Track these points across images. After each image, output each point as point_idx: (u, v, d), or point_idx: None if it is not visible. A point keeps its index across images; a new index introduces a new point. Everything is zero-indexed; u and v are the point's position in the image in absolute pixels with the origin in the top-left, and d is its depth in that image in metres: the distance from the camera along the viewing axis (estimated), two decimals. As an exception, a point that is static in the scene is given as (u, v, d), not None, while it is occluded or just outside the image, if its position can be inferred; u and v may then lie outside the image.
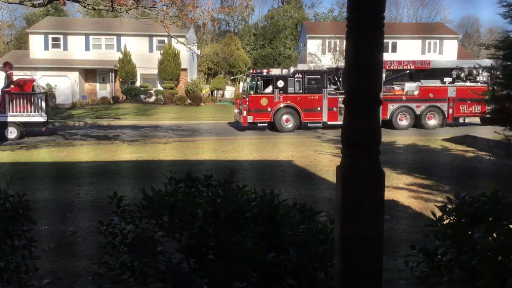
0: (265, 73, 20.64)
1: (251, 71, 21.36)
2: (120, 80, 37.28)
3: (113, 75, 37.27)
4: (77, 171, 10.82)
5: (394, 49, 37.57)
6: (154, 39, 37.37)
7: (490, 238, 2.43)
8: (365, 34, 1.96)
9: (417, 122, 20.77)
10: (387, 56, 28.67)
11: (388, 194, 7.57)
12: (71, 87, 35.96)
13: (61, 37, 37.29)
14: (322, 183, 9.05)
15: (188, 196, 2.95)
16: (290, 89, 20.10)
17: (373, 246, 2.00)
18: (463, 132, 16.58)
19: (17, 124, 18.22)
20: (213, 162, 11.95)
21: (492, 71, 21.02)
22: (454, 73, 21.39)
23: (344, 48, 2.24)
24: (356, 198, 1.98)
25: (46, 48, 37.07)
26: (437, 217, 2.66)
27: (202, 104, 35.72)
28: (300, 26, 51.97)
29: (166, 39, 34.85)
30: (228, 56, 41.56)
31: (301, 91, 20.20)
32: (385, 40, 2.24)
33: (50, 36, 37.18)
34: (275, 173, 10.13)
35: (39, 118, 18.45)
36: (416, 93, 21.01)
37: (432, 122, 20.92)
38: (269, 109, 19.96)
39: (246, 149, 14.62)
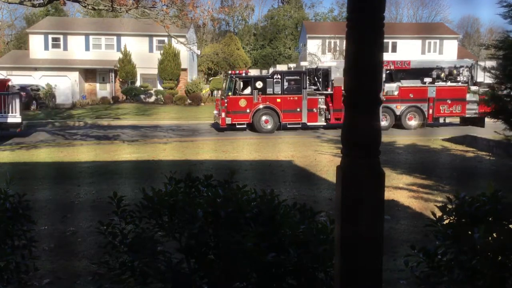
0: (243, 74, 20.51)
1: (230, 72, 21.10)
2: (120, 80, 37.28)
3: (113, 75, 37.27)
4: (77, 171, 10.82)
5: (394, 49, 37.57)
6: (154, 39, 37.37)
7: (490, 238, 2.43)
8: (365, 34, 1.96)
9: (397, 123, 20.62)
10: (386, 56, 28.65)
11: (388, 194, 7.57)
12: (71, 87, 35.96)
13: (61, 37, 37.30)
14: (322, 183, 9.05)
15: (188, 196, 2.95)
16: (269, 90, 19.91)
17: (373, 246, 2.00)
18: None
19: None
20: (213, 162, 11.95)
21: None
22: (434, 73, 21.29)
23: (344, 48, 2.24)
24: (356, 198, 1.98)
25: (46, 48, 37.08)
26: (437, 217, 2.66)
27: (202, 104, 35.72)
28: (300, 26, 51.98)
29: (166, 39, 34.85)
30: (228, 56, 41.57)
31: (280, 92, 20.02)
32: (385, 40, 2.24)
33: (50, 36, 37.18)
34: (275, 173, 10.13)
35: (14, 119, 17.95)
36: (396, 93, 20.82)
37: (413, 122, 20.78)
38: (248, 110, 19.78)
39: (246, 149, 14.62)
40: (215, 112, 21.10)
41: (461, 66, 21.57)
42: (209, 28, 48.97)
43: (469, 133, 15.44)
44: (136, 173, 10.32)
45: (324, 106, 20.49)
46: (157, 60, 36.73)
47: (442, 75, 21.28)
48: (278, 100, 20.04)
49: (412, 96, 20.61)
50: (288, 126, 20.41)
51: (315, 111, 20.30)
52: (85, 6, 16.67)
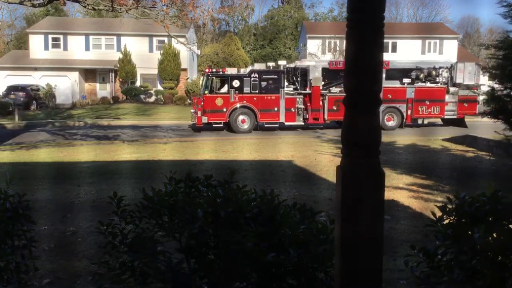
0: (220, 73, 20.21)
1: (206, 70, 20.84)
2: (120, 80, 37.29)
3: (113, 75, 37.28)
4: (77, 171, 10.82)
5: (394, 49, 37.58)
6: (154, 39, 37.38)
7: (490, 238, 2.43)
8: (365, 34, 1.96)
9: None
10: (386, 56, 28.61)
11: (388, 194, 7.58)
12: (71, 87, 35.98)
13: (61, 37, 37.30)
14: (322, 183, 9.05)
15: (188, 196, 2.95)
16: (246, 89, 19.67)
17: (373, 246, 2.00)
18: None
19: None
20: (213, 162, 11.95)
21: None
22: (413, 74, 21.15)
23: (344, 48, 2.24)
24: (356, 198, 1.98)
25: (46, 48, 37.09)
26: (437, 217, 2.66)
27: (202, 104, 35.70)
28: (300, 26, 51.98)
29: (166, 39, 34.86)
30: (228, 56, 41.58)
31: (257, 91, 19.76)
32: (385, 40, 2.24)
33: (50, 36, 37.19)
34: (275, 173, 10.13)
35: None
36: None
37: (391, 123, 20.63)
38: (224, 110, 19.57)
39: (246, 149, 14.62)
40: (192, 111, 20.80)
41: (441, 67, 21.40)
42: (209, 28, 48.98)
43: (469, 133, 15.44)
44: (136, 173, 10.32)
45: (302, 106, 20.22)
46: (157, 60, 36.74)
47: (421, 75, 21.13)
48: (255, 99, 19.80)
49: (390, 96, 20.33)
50: (266, 125, 20.21)
51: (293, 110, 20.09)
52: (85, 6, 16.67)
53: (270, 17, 58.02)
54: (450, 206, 2.67)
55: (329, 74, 20.87)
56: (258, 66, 21.44)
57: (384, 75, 21.03)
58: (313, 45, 39.66)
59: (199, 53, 39.34)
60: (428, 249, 2.60)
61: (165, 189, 2.97)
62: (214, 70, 20.72)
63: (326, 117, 20.45)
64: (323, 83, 20.72)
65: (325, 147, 14.55)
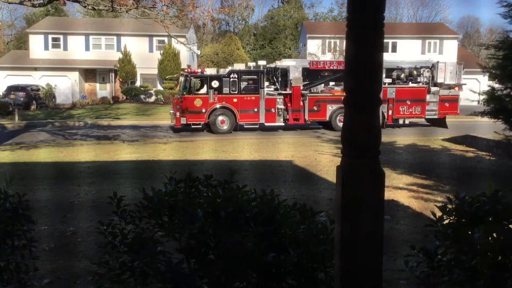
0: (199, 73, 20.03)
1: (185, 70, 20.54)
2: (120, 80, 37.28)
3: (113, 75, 37.28)
4: (77, 171, 10.82)
5: (394, 49, 37.58)
6: (154, 39, 37.37)
7: (490, 238, 2.43)
8: (365, 34, 1.96)
9: None
10: (385, 56, 28.56)
11: (388, 194, 7.58)
12: (71, 87, 35.98)
13: (61, 37, 37.30)
14: (322, 183, 9.05)
15: (188, 196, 2.95)
16: (226, 90, 19.48)
17: (373, 246, 2.00)
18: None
19: None
20: (213, 162, 11.95)
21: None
22: (395, 74, 21.02)
23: (344, 48, 2.24)
24: (356, 198, 1.98)
25: (46, 48, 37.09)
26: (437, 217, 2.66)
27: (202, 104, 35.71)
28: (300, 26, 51.98)
29: (166, 39, 34.87)
30: (228, 56, 41.59)
31: (237, 92, 19.57)
32: (385, 40, 2.24)
33: (50, 36, 37.19)
34: (275, 173, 10.13)
35: None
36: None
37: None
38: (203, 110, 19.36)
39: (246, 149, 14.62)
40: (171, 112, 20.57)
41: (422, 67, 21.27)
42: (209, 28, 49.00)
43: (469, 133, 15.44)
44: (136, 173, 10.32)
45: (283, 106, 19.99)
46: (157, 60, 36.75)
47: (402, 75, 20.99)
48: (235, 100, 19.60)
49: None
50: (245, 126, 20.05)
51: (273, 111, 19.88)
52: (85, 6, 16.68)
53: (270, 17, 58.02)
54: (450, 206, 2.67)
55: (310, 74, 20.69)
56: (238, 66, 21.26)
57: None
58: (313, 45, 39.65)
59: (199, 53, 39.34)
60: (428, 249, 2.60)
61: (165, 189, 2.97)
62: (193, 70, 20.46)
63: (306, 117, 20.24)
64: (304, 83, 20.56)
65: (325, 147, 14.55)
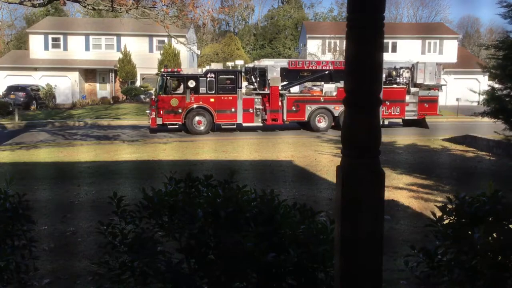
0: (175, 73, 19.76)
1: (162, 70, 20.17)
2: (120, 80, 37.29)
3: (113, 75, 37.27)
4: (77, 171, 10.82)
5: (394, 49, 37.58)
6: (154, 39, 37.38)
7: (490, 238, 2.43)
8: (365, 34, 1.96)
9: (336, 124, 20.16)
10: (385, 56, 28.52)
11: (388, 194, 7.58)
12: (71, 87, 35.99)
13: (61, 37, 37.30)
14: (322, 183, 9.05)
15: (188, 196, 2.95)
16: (202, 90, 19.24)
17: (373, 246, 2.00)
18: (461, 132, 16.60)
19: None
20: (213, 162, 11.95)
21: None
22: None
23: (344, 48, 2.24)
24: (356, 198, 1.98)
25: (46, 48, 37.09)
26: (437, 217, 2.66)
27: (202, 104, 35.72)
28: (300, 26, 51.98)
29: (166, 39, 34.87)
30: (228, 56, 41.59)
31: (214, 92, 19.35)
32: (385, 40, 2.24)
33: (50, 36, 37.19)
34: (275, 173, 10.13)
35: None
36: (334, 94, 20.30)
37: None
38: (180, 110, 19.14)
39: (246, 149, 14.62)
40: (148, 112, 20.29)
41: (401, 67, 21.16)
42: (209, 28, 49.00)
43: (469, 133, 15.44)
44: (136, 173, 10.32)
45: (261, 107, 19.81)
46: (157, 60, 36.74)
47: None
48: (212, 100, 19.37)
49: None
50: (223, 127, 19.87)
51: (251, 111, 19.69)
52: (85, 6, 16.67)
53: (270, 17, 58.04)
54: (450, 206, 2.67)
55: (289, 74, 20.55)
56: (215, 66, 21.05)
57: (343, 76, 20.88)
58: (313, 45, 39.64)
59: (199, 53, 39.35)
60: (428, 249, 2.60)
61: (165, 189, 2.97)
62: (169, 69, 20.17)
63: (285, 117, 20.05)
64: (283, 83, 20.43)
65: (325, 147, 14.55)
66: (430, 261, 2.57)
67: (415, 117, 20.87)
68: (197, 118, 19.43)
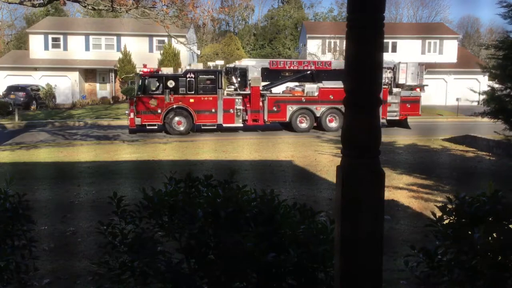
0: (154, 72, 19.55)
1: (141, 69, 19.91)
2: (120, 80, 37.28)
3: (113, 75, 37.26)
4: (77, 171, 10.82)
5: (394, 49, 37.55)
6: (154, 39, 37.38)
7: (490, 238, 2.43)
8: (365, 34, 1.96)
9: (318, 124, 20.13)
10: (385, 56, 28.44)
11: (388, 194, 7.58)
12: (71, 87, 35.98)
13: (61, 37, 37.29)
14: (322, 183, 9.05)
15: (188, 196, 2.95)
16: (182, 90, 19.04)
17: (373, 246, 2.00)
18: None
19: None
20: (213, 162, 11.95)
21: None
22: None
23: (344, 48, 2.24)
24: (356, 198, 1.98)
25: (46, 48, 37.08)
26: (437, 217, 2.66)
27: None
28: (300, 26, 51.98)
29: (166, 39, 34.87)
30: (228, 56, 41.57)
31: (193, 92, 19.16)
32: (385, 40, 2.24)
33: (50, 36, 37.18)
34: (275, 173, 10.13)
35: None
36: (316, 94, 20.12)
37: (333, 124, 20.21)
38: (159, 111, 18.92)
39: (246, 149, 14.62)
40: (126, 112, 20.10)
41: (384, 68, 21.14)
42: (209, 28, 48.99)
43: (469, 133, 15.45)
44: (136, 173, 10.33)
45: (242, 107, 19.59)
46: (157, 60, 36.73)
47: None
48: (192, 100, 19.17)
49: (332, 97, 19.86)
50: (203, 127, 19.70)
51: (232, 112, 19.49)
52: (85, 6, 16.68)
53: (270, 17, 58.02)
54: (450, 206, 2.67)
55: (270, 74, 20.44)
56: (195, 66, 20.82)
57: (326, 76, 20.51)
58: (313, 45, 39.63)
59: (199, 53, 39.34)
60: (428, 249, 2.60)
61: (165, 189, 2.97)
62: (148, 69, 19.89)
63: (266, 118, 19.88)
64: (265, 83, 20.30)
65: (325, 147, 14.55)
66: (430, 261, 2.57)
67: (397, 118, 20.79)
68: (176, 119, 19.25)
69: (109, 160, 12.62)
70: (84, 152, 14.26)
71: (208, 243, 2.79)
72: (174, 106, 19.16)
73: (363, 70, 1.98)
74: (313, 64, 20.93)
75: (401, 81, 20.77)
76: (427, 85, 21.67)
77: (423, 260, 2.59)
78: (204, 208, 2.82)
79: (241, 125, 19.94)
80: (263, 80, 20.16)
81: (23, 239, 3.16)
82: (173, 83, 19.11)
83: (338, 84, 20.29)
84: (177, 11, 17.16)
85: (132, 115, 18.91)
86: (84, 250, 5.40)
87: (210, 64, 21.30)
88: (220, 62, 21.26)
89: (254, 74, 19.69)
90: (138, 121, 18.94)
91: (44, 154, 13.94)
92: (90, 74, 37.74)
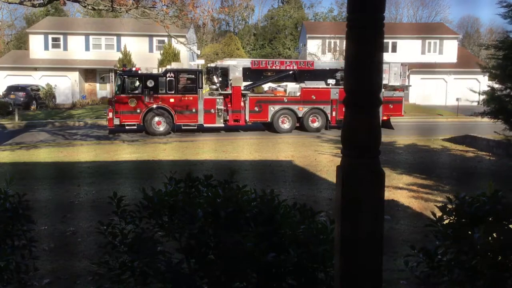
0: (133, 72, 19.39)
1: (121, 69, 19.70)
2: (120, 80, 37.27)
3: (113, 75, 37.24)
4: (77, 171, 10.82)
5: (394, 49, 37.57)
6: (154, 39, 37.38)
7: (490, 238, 2.43)
8: (365, 34, 1.96)
9: (301, 125, 20.02)
10: (386, 56, 28.45)
11: (388, 194, 7.58)
12: (71, 87, 35.98)
13: (61, 37, 37.30)
14: (322, 183, 9.05)
15: (188, 196, 2.95)
16: (162, 90, 18.91)
17: (373, 246, 2.00)
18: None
19: None
20: (213, 162, 11.95)
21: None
22: (338, 75, 20.60)
23: (344, 48, 2.24)
24: (356, 198, 1.98)
25: (46, 48, 37.08)
26: (437, 217, 2.66)
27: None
28: (300, 26, 51.98)
29: (166, 39, 34.88)
30: (228, 56, 41.58)
31: (174, 92, 18.99)
32: (385, 40, 2.24)
33: (50, 36, 37.19)
34: (275, 173, 10.13)
35: None
36: (298, 94, 20.04)
37: (315, 124, 20.11)
38: (138, 111, 18.74)
39: (246, 149, 14.62)
40: (105, 111, 19.98)
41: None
42: (209, 28, 48.99)
43: (469, 133, 15.45)
44: (136, 173, 10.32)
45: (223, 107, 19.40)
46: (157, 60, 36.72)
47: None
48: (172, 100, 19.02)
49: (314, 97, 19.86)
50: (183, 127, 19.54)
51: (213, 112, 19.30)
52: (85, 6, 16.67)
53: (270, 17, 58.05)
54: (450, 206, 2.67)
55: (252, 74, 20.32)
56: (175, 65, 20.63)
57: (308, 76, 20.44)
58: (313, 45, 39.64)
59: (199, 53, 39.33)
60: (428, 249, 2.60)
61: (165, 189, 2.97)
62: (127, 69, 19.75)
63: (247, 118, 19.75)
64: (247, 83, 20.18)
65: (325, 147, 14.55)
66: (430, 261, 2.57)
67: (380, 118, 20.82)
68: (156, 119, 19.06)
69: (109, 160, 12.62)
70: (84, 152, 14.26)
71: (208, 243, 2.79)
72: (154, 106, 19.01)
73: (363, 70, 1.98)
74: (296, 64, 20.79)
75: (384, 81, 20.76)
76: (410, 86, 21.56)
77: (423, 260, 2.59)
78: (204, 208, 2.82)
79: (222, 125, 19.77)
80: (245, 80, 20.04)
81: (23, 239, 3.16)
82: (153, 83, 18.96)
83: (321, 85, 20.34)
84: (177, 11, 17.15)
85: (110, 114, 18.78)
86: (84, 250, 5.40)
87: (192, 63, 21.18)
88: (200, 62, 21.13)
89: (235, 74, 19.54)
90: (116, 121, 18.77)
91: (44, 154, 13.93)
92: (90, 74, 37.74)
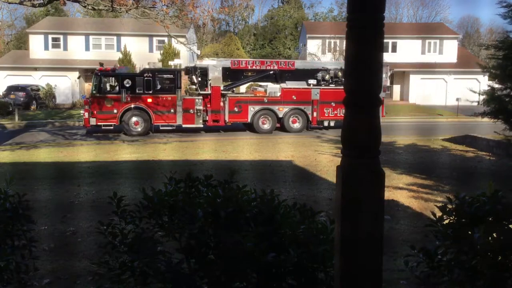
0: (110, 72, 19.21)
1: (97, 69, 19.57)
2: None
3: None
4: (77, 171, 10.82)
5: (394, 49, 37.58)
6: (154, 39, 37.38)
7: (490, 238, 2.43)
8: (365, 34, 1.96)
9: (281, 125, 19.94)
10: (386, 56, 28.45)
11: (388, 194, 7.58)
12: (71, 87, 36.00)
13: (61, 37, 37.31)
14: (322, 183, 9.05)
15: (188, 196, 2.95)
16: (139, 90, 18.69)
17: (373, 246, 2.00)
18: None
19: None
20: (213, 162, 11.95)
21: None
22: (320, 75, 20.47)
23: (344, 48, 2.24)
24: (356, 198, 1.98)
25: (46, 48, 37.09)
26: (437, 217, 2.66)
27: (202, 104, 35.75)
28: (300, 26, 51.99)
29: (166, 39, 34.87)
30: (228, 56, 41.57)
31: (151, 92, 18.80)
32: (385, 40, 2.24)
33: (50, 36, 37.19)
34: (275, 173, 10.13)
35: None
36: (278, 94, 19.88)
37: (296, 125, 20.00)
38: (115, 111, 18.55)
39: (246, 149, 14.62)
40: (82, 112, 19.77)
41: (342, 69, 21.07)
42: (209, 28, 48.99)
43: (469, 133, 15.45)
44: (136, 173, 10.32)
45: (202, 107, 19.25)
46: (157, 60, 36.69)
47: (327, 77, 20.41)
48: (149, 100, 18.82)
49: (295, 98, 19.75)
50: (161, 128, 19.36)
51: (192, 112, 19.16)
52: (85, 6, 16.67)
53: (270, 17, 58.05)
54: (450, 206, 2.67)
55: (232, 74, 20.23)
56: (153, 65, 20.57)
57: (289, 76, 20.28)
58: (313, 45, 39.63)
59: (199, 53, 39.32)
60: (428, 249, 2.60)
61: (165, 189, 2.97)
62: (104, 68, 19.54)
63: (227, 119, 19.62)
64: (227, 83, 20.04)
65: (325, 147, 14.55)
66: (430, 261, 2.57)
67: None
68: (133, 119, 18.89)
69: (109, 160, 12.62)
70: (84, 152, 14.26)
71: (208, 243, 2.79)
72: (132, 106, 18.82)
73: (363, 70, 1.98)
74: (276, 64, 20.63)
75: None
76: (390, 86, 21.48)
77: (423, 260, 2.59)
78: (204, 208, 2.82)
79: (201, 125, 19.63)
80: (225, 80, 19.92)
81: (23, 239, 3.16)
82: (130, 83, 18.77)
83: (302, 85, 20.15)
84: (177, 11, 17.15)
85: (86, 115, 18.58)
86: (84, 250, 5.40)
87: (171, 63, 20.91)
88: (178, 61, 20.93)
89: (214, 74, 19.37)
90: (93, 121, 18.61)
91: (44, 154, 13.93)
92: (90, 74, 37.75)
